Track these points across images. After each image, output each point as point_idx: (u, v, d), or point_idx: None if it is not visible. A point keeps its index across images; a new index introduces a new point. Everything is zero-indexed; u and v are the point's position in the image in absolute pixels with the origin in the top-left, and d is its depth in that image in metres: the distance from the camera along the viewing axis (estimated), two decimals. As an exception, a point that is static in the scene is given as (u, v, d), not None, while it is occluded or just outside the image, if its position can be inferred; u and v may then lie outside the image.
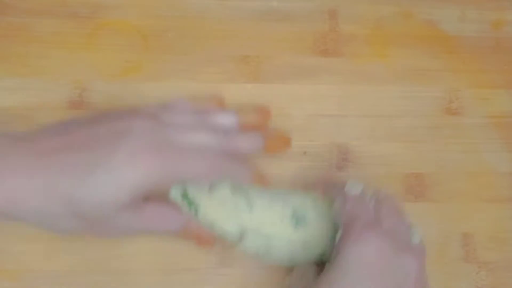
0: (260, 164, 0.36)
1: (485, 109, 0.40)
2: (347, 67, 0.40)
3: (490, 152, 0.39)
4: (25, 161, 0.28)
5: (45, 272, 0.33)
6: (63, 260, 0.34)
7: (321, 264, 0.30)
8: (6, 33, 0.38)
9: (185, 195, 0.33)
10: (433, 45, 0.42)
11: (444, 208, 0.37)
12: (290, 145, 0.37)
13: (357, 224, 0.29)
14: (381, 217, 0.30)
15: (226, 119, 0.35)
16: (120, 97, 0.38)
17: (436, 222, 0.35)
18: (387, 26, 0.42)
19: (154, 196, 0.31)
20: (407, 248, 0.29)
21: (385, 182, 0.38)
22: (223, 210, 0.32)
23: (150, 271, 0.34)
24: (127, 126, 0.30)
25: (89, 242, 0.34)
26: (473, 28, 0.43)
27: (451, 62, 0.41)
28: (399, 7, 0.42)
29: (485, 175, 0.39)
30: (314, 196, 0.34)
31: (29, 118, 0.36)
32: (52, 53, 0.38)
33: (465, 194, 0.38)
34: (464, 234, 0.37)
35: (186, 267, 0.34)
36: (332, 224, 0.33)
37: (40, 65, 0.37)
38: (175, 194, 0.33)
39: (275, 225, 0.32)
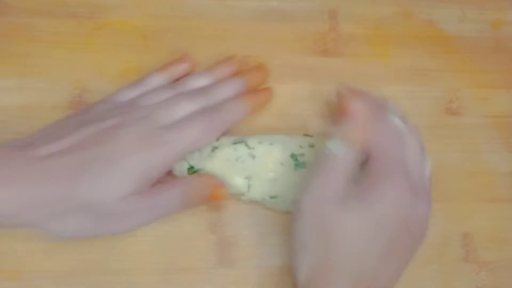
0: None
1: (485, 109, 0.40)
2: (347, 67, 0.40)
3: (490, 152, 0.39)
4: (26, 168, 0.28)
5: (45, 272, 0.33)
6: (63, 260, 0.34)
7: None
8: (6, 33, 0.38)
9: (190, 168, 0.33)
10: (433, 45, 0.42)
11: (444, 208, 0.37)
12: (271, 95, 0.37)
13: (388, 158, 0.30)
14: (407, 155, 0.30)
15: (202, 81, 0.35)
16: (120, 97, 0.38)
17: (436, 222, 0.35)
18: (387, 26, 0.42)
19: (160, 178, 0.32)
20: (422, 193, 0.30)
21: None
22: (228, 165, 0.33)
23: (150, 271, 0.34)
24: (116, 122, 0.31)
25: (89, 242, 0.34)
26: (473, 28, 0.43)
27: (451, 62, 0.41)
28: (399, 7, 0.42)
29: (485, 175, 0.39)
30: (311, 139, 0.35)
31: (28, 118, 0.36)
32: (52, 53, 0.38)
33: (465, 194, 0.38)
34: (464, 234, 0.37)
35: (186, 267, 0.34)
36: None
37: (40, 65, 0.37)
38: (179, 170, 0.33)
39: (277, 168, 0.34)
